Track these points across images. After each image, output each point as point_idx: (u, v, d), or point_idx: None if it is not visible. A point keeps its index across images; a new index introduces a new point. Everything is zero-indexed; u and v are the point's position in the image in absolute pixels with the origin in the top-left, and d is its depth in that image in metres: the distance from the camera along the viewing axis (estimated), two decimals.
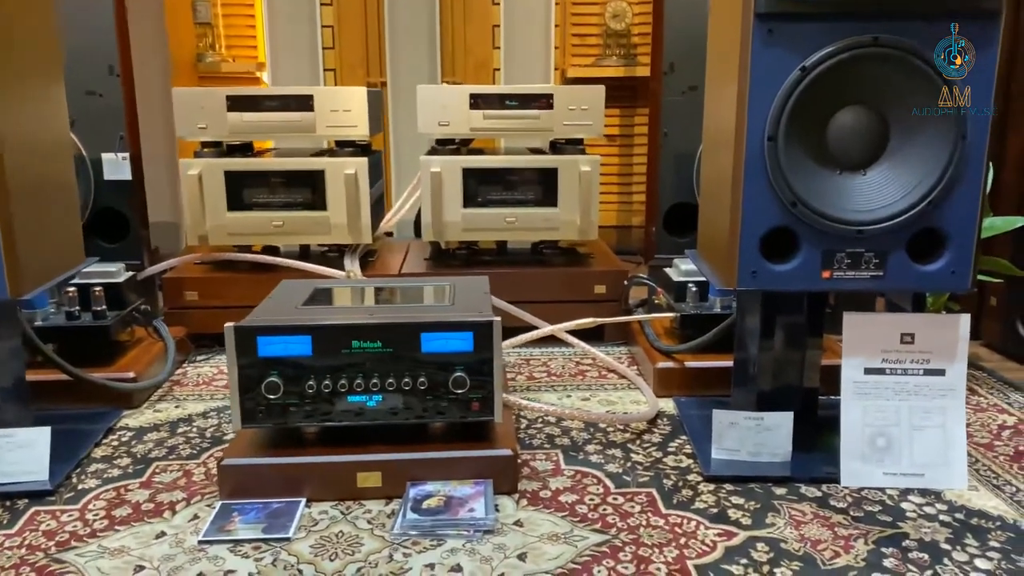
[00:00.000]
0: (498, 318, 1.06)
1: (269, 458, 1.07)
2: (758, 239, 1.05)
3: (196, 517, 1.03)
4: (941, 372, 1.10)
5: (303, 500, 1.06)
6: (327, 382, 1.06)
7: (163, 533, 0.99)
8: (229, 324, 1.04)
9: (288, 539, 0.97)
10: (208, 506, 1.05)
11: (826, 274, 1.05)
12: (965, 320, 1.09)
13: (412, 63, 2.53)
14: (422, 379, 1.06)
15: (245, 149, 1.75)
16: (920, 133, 1.02)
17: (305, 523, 1.01)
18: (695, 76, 1.67)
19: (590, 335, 1.67)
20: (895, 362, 1.10)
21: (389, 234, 2.44)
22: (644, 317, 1.55)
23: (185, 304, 1.68)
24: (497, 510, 1.03)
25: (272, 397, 1.05)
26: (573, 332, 1.57)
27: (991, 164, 1.47)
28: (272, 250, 1.81)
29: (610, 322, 1.56)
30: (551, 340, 1.61)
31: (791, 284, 1.06)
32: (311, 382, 1.05)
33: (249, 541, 0.97)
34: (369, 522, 1.01)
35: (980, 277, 1.50)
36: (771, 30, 1.00)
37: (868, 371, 1.10)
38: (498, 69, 2.55)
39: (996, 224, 1.44)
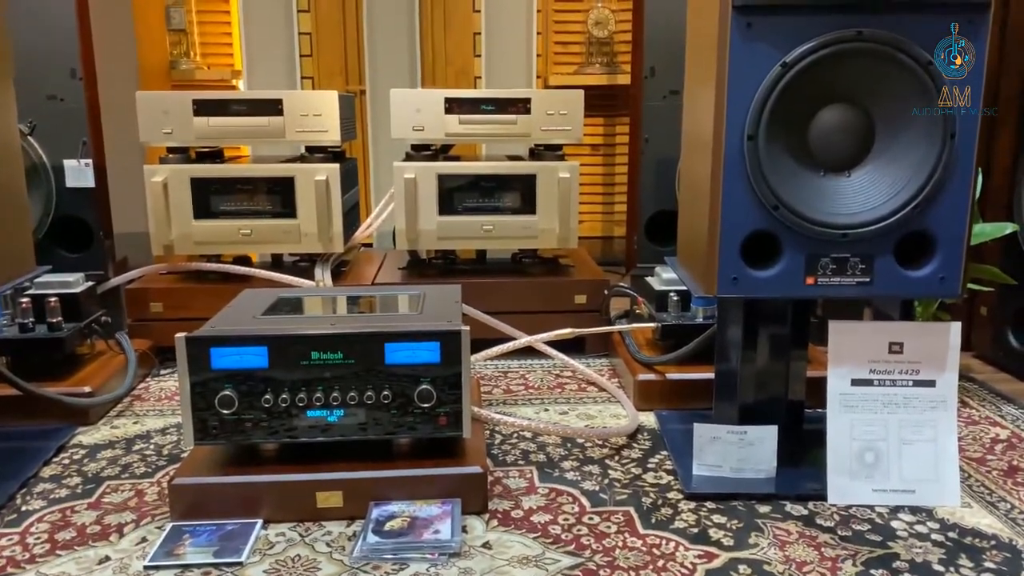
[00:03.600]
0: (467, 327, 1.01)
1: (223, 477, 1.00)
2: (738, 244, 1.00)
3: (144, 540, 0.97)
4: (931, 383, 1.05)
5: (259, 522, 0.99)
6: (285, 396, 1.00)
7: (107, 558, 0.93)
8: (180, 334, 0.98)
9: (240, 563, 0.91)
10: (158, 528, 0.99)
11: (810, 280, 1.00)
12: (956, 328, 1.04)
13: (391, 71, 2.48)
14: (386, 392, 1.00)
15: (216, 156, 1.70)
16: (907, 132, 0.98)
17: (260, 546, 0.95)
18: (676, 80, 1.62)
19: (571, 347, 1.61)
20: (883, 373, 1.05)
21: (369, 245, 2.39)
22: (624, 327, 1.50)
23: (150, 316, 1.61)
24: (465, 531, 0.98)
25: (226, 412, 0.99)
26: (552, 344, 1.52)
27: (979, 169, 1.43)
28: (244, 260, 1.75)
29: (589, 333, 1.51)
30: (529, 352, 1.55)
31: (773, 291, 1.01)
32: (268, 396, 0.99)
33: (198, 566, 0.91)
34: (329, 545, 0.95)
35: (970, 286, 1.46)
36: (750, 24, 0.95)
37: (855, 382, 1.05)
38: (479, 77, 2.51)
39: (985, 230, 1.40)
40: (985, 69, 0.96)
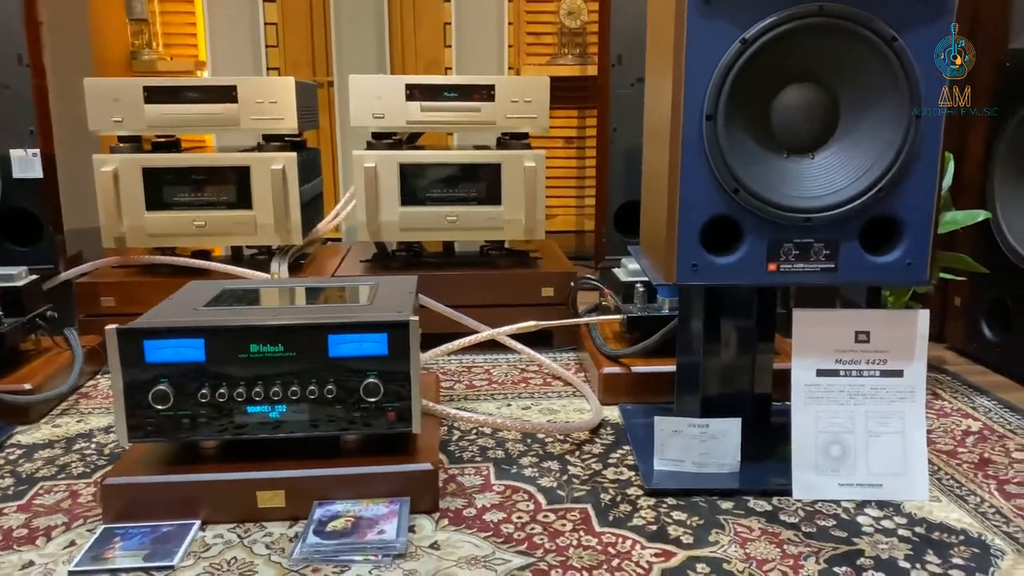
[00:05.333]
0: (415, 318, 0.96)
1: (158, 476, 0.95)
2: (698, 229, 0.95)
3: (73, 544, 0.91)
4: (899, 373, 1.01)
5: (196, 523, 0.94)
6: (223, 391, 0.95)
7: (31, 563, 0.88)
8: (110, 326, 0.93)
9: (172, 567, 0.86)
10: (89, 531, 0.94)
11: (772, 267, 0.96)
12: (924, 316, 1.00)
13: (360, 62, 2.43)
14: (330, 387, 0.95)
15: (173, 146, 1.64)
16: (872, 112, 0.94)
17: (195, 548, 0.90)
18: (643, 68, 1.58)
19: (538, 341, 1.57)
20: (849, 363, 1.01)
21: (337, 240, 2.34)
22: (589, 320, 1.46)
23: (101, 311, 1.56)
24: (413, 531, 0.93)
25: (161, 408, 0.94)
26: (520, 338, 1.47)
27: (951, 156, 1.40)
28: (205, 254, 1.69)
29: (552, 326, 1.46)
30: (495, 347, 1.51)
31: (735, 278, 0.97)
32: (205, 391, 0.94)
33: (127, 571, 0.86)
34: (268, 547, 0.90)
35: (943, 275, 1.43)
36: (708, 0, 0.91)
37: (820, 373, 1.01)
38: (450, 68, 2.46)
39: (957, 218, 1.37)
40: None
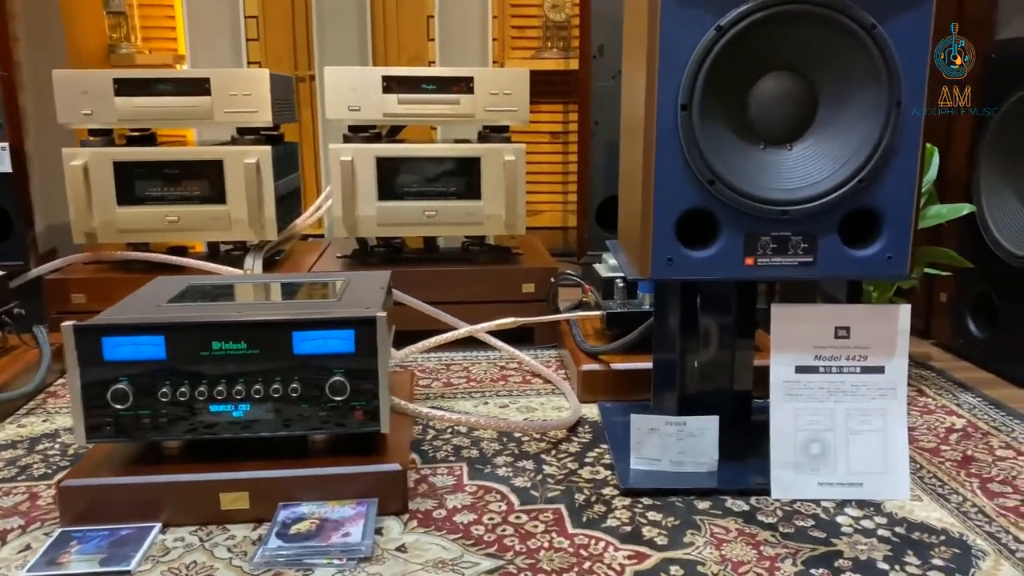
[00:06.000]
0: (383, 313, 0.93)
1: (118, 478, 0.92)
2: (673, 222, 0.93)
3: (28, 548, 0.89)
4: (880, 369, 0.99)
5: (157, 526, 0.92)
6: (184, 390, 0.92)
7: None
8: (67, 323, 0.90)
9: (128, 572, 0.83)
10: (47, 535, 0.91)
11: (749, 261, 0.94)
12: (905, 311, 0.98)
13: (342, 56, 2.39)
14: (295, 385, 0.93)
15: (148, 140, 1.61)
16: (851, 102, 0.92)
17: (155, 552, 0.87)
18: None
19: (519, 338, 1.55)
20: (829, 359, 0.99)
21: (321, 236, 2.30)
22: (568, 316, 1.43)
23: (71, 308, 1.52)
24: (380, 534, 0.90)
25: (120, 407, 0.91)
26: (498, 334, 1.44)
27: (936, 150, 1.38)
28: (180, 250, 1.66)
29: (532, 322, 1.44)
30: (474, 344, 1.48)
31: (711, 272, 0.94)
32: (166, 390, 0.91)
33: (82, 575, 0.83)
34: (230, 550, 0.88)
35: (927, 270, 1.41)
36: None
37: (799, 369, 0.99)
38: (433, 62, 2.43)
39: (942, 212, 1.34)
40: (931, 37, 0.90)
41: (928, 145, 1.34)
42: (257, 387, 0.92)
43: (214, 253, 1.68)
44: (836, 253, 0.94)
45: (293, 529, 0.88)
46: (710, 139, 0.91)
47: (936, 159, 1.36)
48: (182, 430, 0.93)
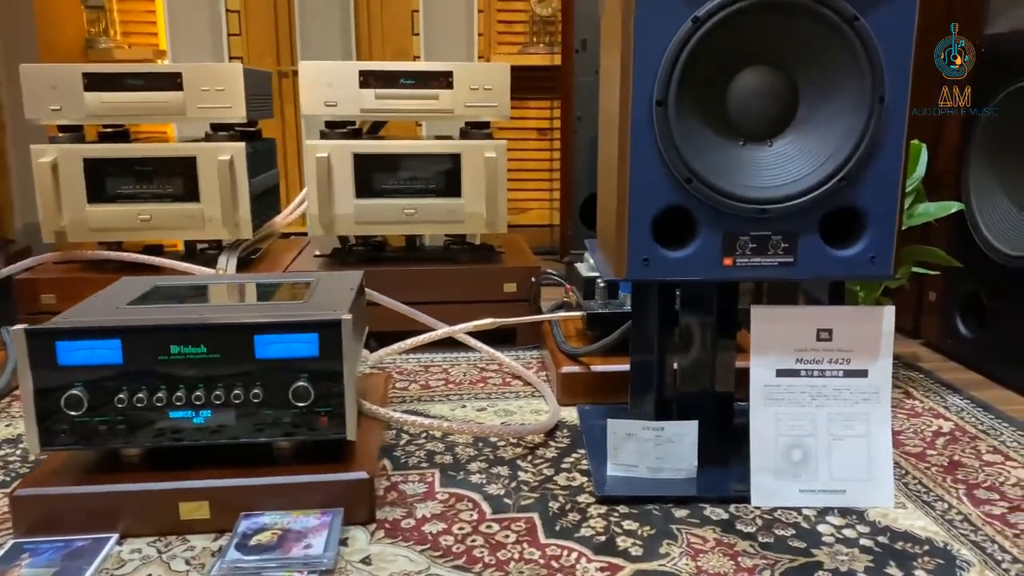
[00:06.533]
0: (348, 316, 0.90)
1: (73, 487, 0.89)
2: (649, 221, 0.90)
3: None
4: (863, 373, 0.96)
5: (114, 537, 0.88)
6: (142, 395, 0.88)
7: None
8: (18, 327, 0.87)
9: None
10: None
11: (728, 261, 0.91)
12: (889, 312, 0.95)
13: (325, 50, 2.36)
14: (256, 391, 0.89)
15: (121, 136, 1.57)
16: (833, 97, 0.88)
17: (109, 565, 0.84)
18: None
19: (502, 338, 1.51)
20: (811, 362, 0.96)
21: (304, 234, 2.27)
22: (548, 316, 1.40)
23: (42, 309, 1.49)
24: (345, 545, 0.87)
25: (75, 414, 0.88)
26: (479, 335, 1.41)
27: (924, 146, 1.35)
28: (157, 249, 1.62)
29: (511, 323, 1.40)
30: (455, 345, 1.45)
31: (688, 273, 0.91)
32: (122, 395, 0.88)
33: None
34: (188, 563, 0.84)
35: (915, 269, 1.38)
36: None
37: (780, 373, 0.96)
38: (418, 57, 2.39)
39: (930, 210, 1.31)
40: (915, 28, 0.87)
41: (915, 142, 1.32)
42: (218, 393, 0.89)
43: (192, 252, 1.65)
44: (817, 253, 0.91)
45: (254, 540, 0.85)
46: (687, 135, 0.88)
47: (924, 156, 1.33)
48: (140, 437, 0.90)
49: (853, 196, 0.90)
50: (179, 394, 0.89)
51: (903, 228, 1.30)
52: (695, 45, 0.85)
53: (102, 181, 1.46)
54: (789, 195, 0.89)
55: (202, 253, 1.60)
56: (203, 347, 0.88)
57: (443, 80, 1.50)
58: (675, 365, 1.06)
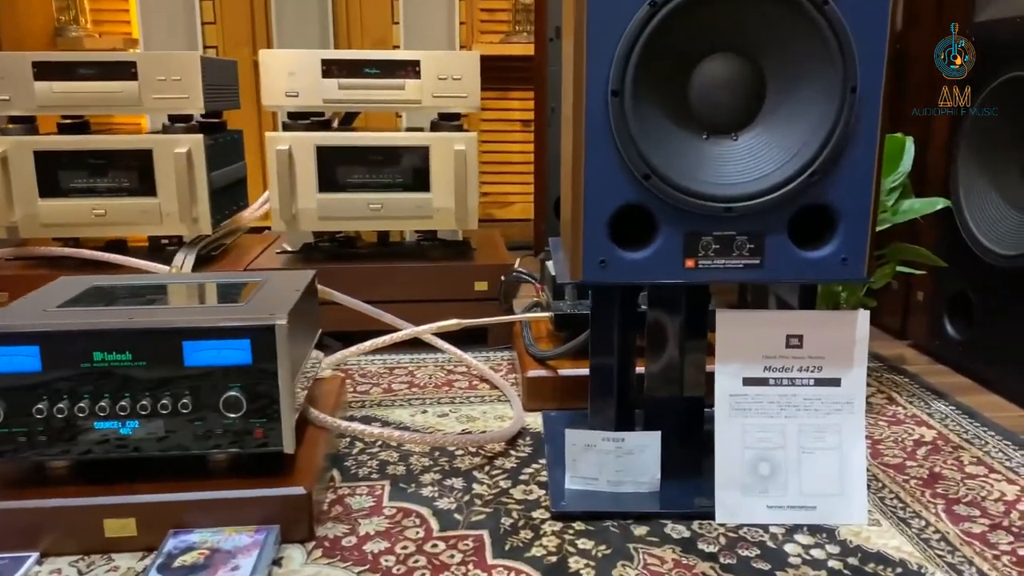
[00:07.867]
0: (283, 321, 0.84)
1: None
2: (605, 221, 0.84)
3: None
4: (836, 382, 0.90)
5: (34, 556, 0.83)
6: (63, 405, 0.83)
7: None
8: None
9: None
10: None
11: (690, 263, 0.85)
12: (863, 317, 0.89)
13: (302, 40, 2.30)
14: (185, 401, 0.84)
15: (80, 128, 1.51)
16: (802, 87, 0.82)
17: None
18: None
19: (473, 338, 1.46)
20: (780, 370, 0.90)
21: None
22: (517, 317, 1.34)
23: None
24: (279, 565, 0.82)
25: None
26: (445, 335, 1.35)
27: (910, 139, 1.29)
28: (120, 245, 1.56)
29: (478, 324, 1.34)
30: (422, 346, 1.39)
31: (647, 275, 0.85)
32: (41, 405, 0.83)
33: None
34: None
35: (900, 269, 1.32)
36: None
37: (747, 381, 0.90)
38: (398, 47, 2.33)
39: (915, 207, 1.25)
40: (890, 13, 0.81)
41: (899, 135, 1.25)
42: (144, 403, 0.84)
43: (155, 248, 1.59)
44: (786, 254, 0.85)
45: (178, 561, 0.80)
46: (645, 128, 0.82)
47: (911, 149, 1.27)
48: (62, 449, 0.84)
49: (824, 193, 0.84)
50: (103, 404, 0.83)
51: (888, 225, 1.25)
52: (653, 31, 0.79)
53: (54, 175, 1.40)
54: (755, 192, 0.83)
55: (164, 249, 1.54)
56: (128, 353, 0.83)
57: (410, 69, 1.44)
58: (641, 368, 1.00)
